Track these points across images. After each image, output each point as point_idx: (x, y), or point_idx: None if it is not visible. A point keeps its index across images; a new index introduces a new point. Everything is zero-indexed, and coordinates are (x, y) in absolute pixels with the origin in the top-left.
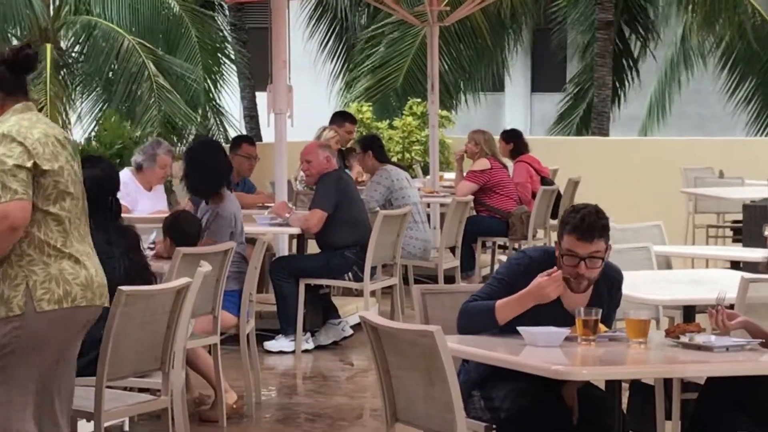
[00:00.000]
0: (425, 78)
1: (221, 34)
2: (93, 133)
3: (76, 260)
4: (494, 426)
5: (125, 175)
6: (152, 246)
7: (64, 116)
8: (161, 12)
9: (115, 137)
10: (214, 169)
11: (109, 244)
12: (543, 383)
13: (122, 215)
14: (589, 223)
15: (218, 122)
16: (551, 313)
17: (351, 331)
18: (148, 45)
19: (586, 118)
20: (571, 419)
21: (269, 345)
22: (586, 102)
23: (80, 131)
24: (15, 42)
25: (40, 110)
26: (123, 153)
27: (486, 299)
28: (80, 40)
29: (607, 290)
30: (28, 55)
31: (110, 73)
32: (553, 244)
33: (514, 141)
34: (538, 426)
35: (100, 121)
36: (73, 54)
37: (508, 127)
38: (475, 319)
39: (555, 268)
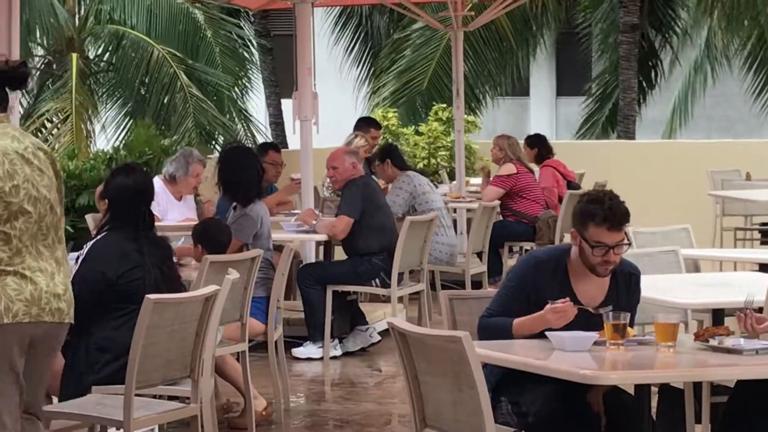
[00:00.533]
0: (450, 82)
1: (246, 41)
2: (122, 142)
3: (22, 276)
4: (522, 431)
5: (156, 184)
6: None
7: (88, 125)
8: (184, 20)
9: (145, 146)
10: (247, 174)
11: (141, 253)
12: (570, 387)
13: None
14: (619, 213)
15: (246, 128)
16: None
17: (379, 338)
18: (178, 54)
19: (611, 120)
20: (598, 424)
21: (297, 352)
22: (611, 103)
23: (104, 140)
24: (41, 51)
25: (65, 119)
26: (152, 162)
27: (500, 311)
28: (109, 50)
29: (625, 285)
30: (23, 72)
31: (140, 82)
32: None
33: (539, 146)
34: (566, 430)
35: (132, 130)
36: (102, 63)
37: (533, 132)
38: (494, 337)
39: (567, 299)
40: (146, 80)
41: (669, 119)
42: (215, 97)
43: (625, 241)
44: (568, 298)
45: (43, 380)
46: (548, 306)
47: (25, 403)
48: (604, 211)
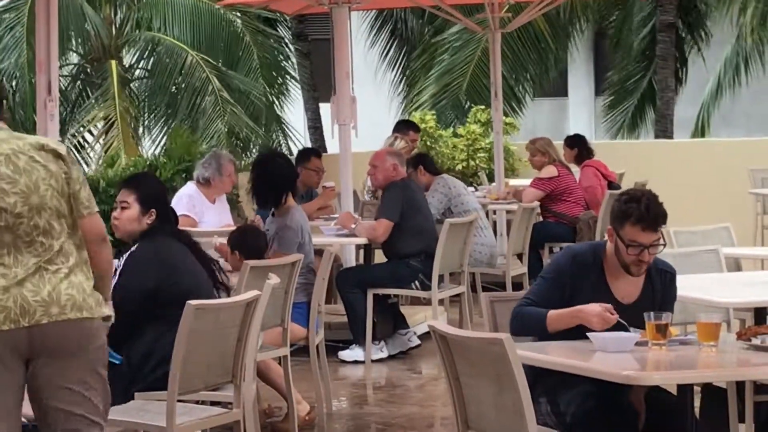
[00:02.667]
0: (489, 83)
1: (283, 47)
2: (162, 149)
3: None
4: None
5: (190, 188)
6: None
7: (132, 132)
8: (223, 27)
9: (184, 152)
10: (281, 180)
11: (178, 257)
12: (608, 387)
13: (191, 229)
14: (655, 213)
15: (283, 135)
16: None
17: (418, 341)
18: (211, 60)
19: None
20: (636, 423)
21: (344, 355)
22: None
23: (149, 145)
24: (76, 59)
25: (111, 126)
26: (190, 168)
27: (537, 301)
28: (144, 56)
29: (660, 282)
30: None
31: (174, 88)
32: None
33: (578, 146)
34: (604, 429)
35: (171, 136)
36: (138, 70)
37: (572, 132)
38: (527, 326)
39: (614, 314)
40: (179, 85)
41: (696, 117)
42: (252, 107)
43: (661, 242)
44: (615, 314)
45: (86, 385)
46: (592, 305)
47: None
48: (640, 210)
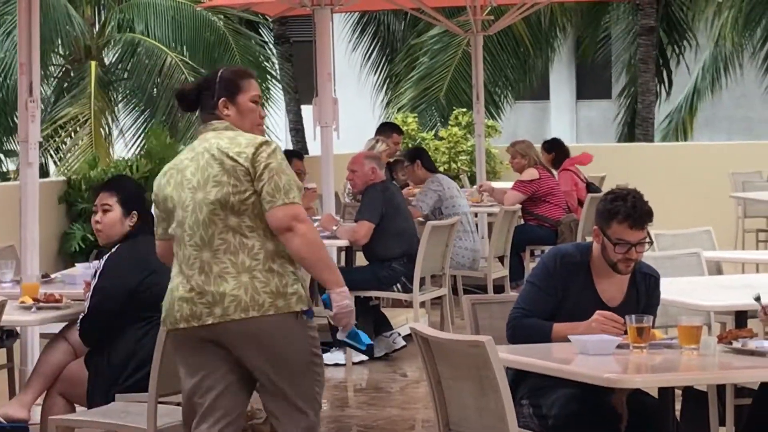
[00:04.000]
0: (469, 87)
1: (265, 49)
2: (140, 150)
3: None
4: None
5: None
6: None
7: (107, 131)
8: (205, 29)
9: (164, 152)
10: None
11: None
12: (591, 390)
13: None
14: (641, 211)
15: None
16: (588, 305)
17: (403, 343)
18: (191, 62)
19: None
20: (618, 426)
21: (324, 358)
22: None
23: (122, 146)
24: (58, 59)
25: (83, 123)
26: None
27: (531, 309)
28: (124, 57)
29: (644, 286)
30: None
31: (154, 89)
32: None
33: (556, 150)
34: None
35: (148, 136)
36: (117, 71)
37: (554, 135)
38: (530, 338)
39: (593, 272)
40: (159, 86)
41: (680, 123)
42: None
43: (647, 240)
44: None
45: (287, 370)
46: (595, 319)
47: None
48: (627, 208)
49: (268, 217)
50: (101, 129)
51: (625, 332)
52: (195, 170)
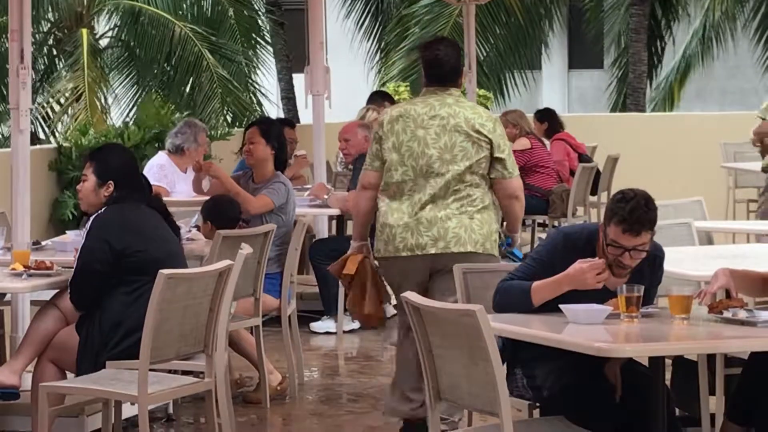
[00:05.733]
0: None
1: (258, 16)
2: (131, 117)
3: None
4: (537, 404)
5: (162, 158)
6: (196, 227)
7: (102, 101)
8: None
9: (155, 121)
10: (285, 146)
11: (145, 222)
12: (585, 360)
13: (164, 199)
14: (638, 217)
15: (257, 103)
16: (590, 291)
17: (393, 311)
18: (200, 31)
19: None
20: (613, 396)
21: (315, 326)
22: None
23: (118, 115)
24: (48, 26)
25: (78, 98)
26: (161, 137)
27: (523, 279)
28: (118, 25)
29: (648, 267)
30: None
31: (163, 60)
32: (592, 221)
33: (548, 120)
34: (581, 403)
35: (141, 106)
36: (111, 39)
37: (546, 105)
38: (511, 299)
39: (598, 258)
40: (169, 58)
41: (668, 92)
42: (229, 73)
43: (644, 248)
44: (597, 255)
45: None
46: (579, 264)
47: None
48: (624, 213)
49: (502, 182)
50: (96, 99)
51: (608, 296)
52: (440, 131)
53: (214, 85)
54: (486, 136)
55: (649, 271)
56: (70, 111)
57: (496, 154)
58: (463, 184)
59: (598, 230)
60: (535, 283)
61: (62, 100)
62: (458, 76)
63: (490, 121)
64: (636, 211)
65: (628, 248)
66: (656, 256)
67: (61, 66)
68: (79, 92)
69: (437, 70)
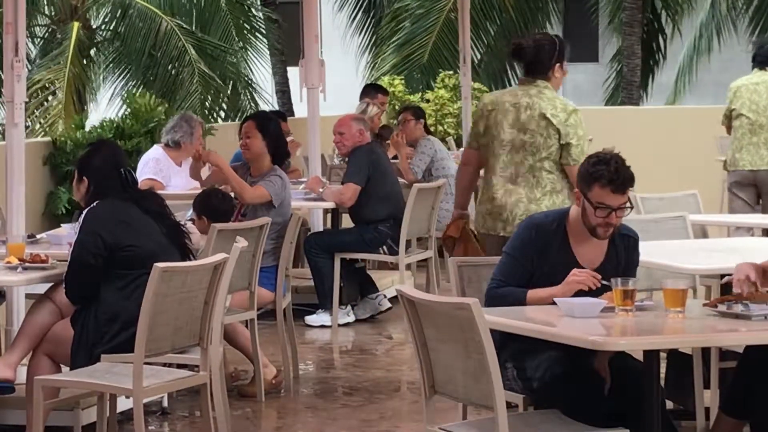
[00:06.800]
0: (451, 54)
1: (252, 9)
2: (127, 111)
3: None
4: (528, 396)
5: (157, 151)
6: (191, 221)
7: (82, 97)
8: None
9: (151, 115)
10: (282, 140)
11: (136, 215)
12: (575, 353)
13: (158, 192)
14: (624, 176)
15: (250, 97)
16: (566, 269)
17: (389, 305)
18: (186, 26)
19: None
20: (603, 389)
21: (310, 319)
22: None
23: (101, 112)
24: (44, 19)
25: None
26: (156, 131)
27: (507, 280)
28: (116, 19)
29: (624, 248)
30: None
31: (147, 53)
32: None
33: None
34: (570, 395)
35: (129, 97)
36: (107, 33)
37: None
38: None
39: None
40: (154, 52)
41: (673, 85)
42: (221, 67)
43: (628, 205)
44: (596, 273)
45: None
46: (572, 276)
47: None
48: (610, 173)
49: (571, 169)
50: (74, 95)
51: (602, 290)
52: (527, 119)
53: (195, 80)
54: (555, 126)
55: (625, 255)
56: (45, 104)
57: (563, 141)
58: (540, 171)
59: (566, 212)
60: (530, 295)
61: (38, 93)
62: (545, 69)
63: (564, 113)
64: (621, 170)
65: (615, 208)
66: (630, 237)
67: (46, 58)
68: (60, 84)
69: (522, 62)
